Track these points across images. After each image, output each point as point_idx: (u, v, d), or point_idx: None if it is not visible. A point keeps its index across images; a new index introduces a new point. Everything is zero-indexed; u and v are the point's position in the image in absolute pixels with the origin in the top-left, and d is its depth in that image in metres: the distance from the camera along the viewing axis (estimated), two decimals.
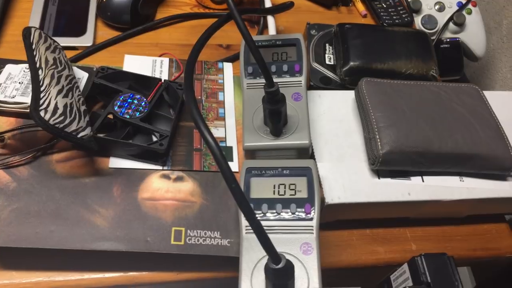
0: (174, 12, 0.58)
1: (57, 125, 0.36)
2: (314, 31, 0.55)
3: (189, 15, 0.58)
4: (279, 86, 0.37)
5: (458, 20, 0.71)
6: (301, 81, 0.44)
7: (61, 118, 0.36)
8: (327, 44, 0.54)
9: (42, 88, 0.38)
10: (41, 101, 0.37)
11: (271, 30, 0.55)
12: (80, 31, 0.53)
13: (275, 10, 0.51)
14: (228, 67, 0.52)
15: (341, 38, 0.51)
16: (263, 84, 0.38)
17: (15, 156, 0.40)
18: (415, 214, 0.45)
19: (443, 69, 0.58)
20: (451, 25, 0.71)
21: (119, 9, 0.54)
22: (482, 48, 0.74)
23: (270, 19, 0.56)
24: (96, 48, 0.52)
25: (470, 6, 0.73)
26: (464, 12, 0.72)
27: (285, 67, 0.45)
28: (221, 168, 0.26)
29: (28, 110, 0.41)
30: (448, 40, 0.71)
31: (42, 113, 0.35)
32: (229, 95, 0.49)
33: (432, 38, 0.70)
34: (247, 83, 0.44)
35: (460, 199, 0.43)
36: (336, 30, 0.53)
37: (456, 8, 0.72)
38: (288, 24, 0.59)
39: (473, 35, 0.73)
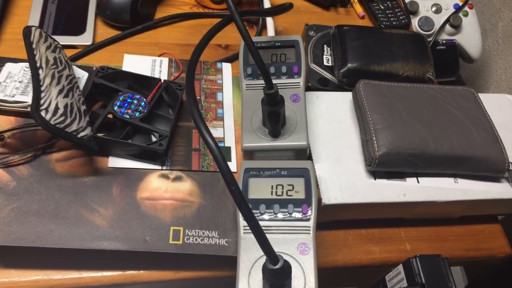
0: (173, 11, 0.58)
1: (58, 125, 0.36)
2: (312, 32, 0.56)
3: (189, 15, 0.59)
4: (278, 87, 0.38)
5: (454, 22, 0.71)
6: (299, 82, 0.45)
7: (62, 118, 0.37)
8: (325, 45, 0.54)
9: (42, 88, 0.38)
10: (42, 101, 0.37)
11: (270, 31, 0.56)
12: (79, 29, 0.53)
13: (274, 12, 0.51)
14: (227, 68, 0.52)
15: (339, 39, 0.52)
16: (262, 85, 0.38)
17: (14, 155, 0.40)
18: (410, 214, 0.46)
19: (439, 71, 0.58)
20: (447, 27, 0.72)
21: (118, 8, 0.54)
22: (478, 50, 0.75)
23: (269, 20, 0.57)
24: (95, 47, 0.52)
25: (466, 8, 0.74)
26: (460, 14, 0.73)
27: (283, 69, 0.45)
28: (221, 170, 0.26)
29: (28, 110, 0.42)
30: (444, 42, 0.72)
31: (43, 113, 0.36)
32: (227, 96, 0.49)
33: (429, 39, 0.71)
34: (246, 84, 0.45)
35: (454, 200, 0.43)
36: (334, 31, 0.53)
37: (452, 10, 0.73)
38: (286, 25, 0.60)
39: (469, 37, 0.74)
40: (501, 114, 0.50)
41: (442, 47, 0.72)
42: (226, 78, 0.51)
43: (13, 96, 0.42)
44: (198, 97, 0.49)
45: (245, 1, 0.63)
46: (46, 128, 0.36)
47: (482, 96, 0.50)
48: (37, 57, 0.41)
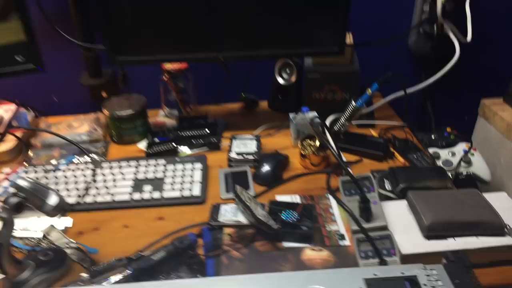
0: (292, 173, 1.03)
1: (266, 222, 0.77)
2: (375, 173, 0.97)
3: (301, 174, 1.03)
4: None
5: (465, 159, 1.11)
6: (375, 195, 0.84)
7: (265, 218, 0.77)
8: (384, 179, 0.95)
9: (253, 208, 0.80)
10: (256, 213, 0.78)
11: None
12: (246, 188, 0.97)
13: (349, 163, 0.94)
14: (331, 197, 0.93)
15: (392, 174, 0.92)
16: (356, 198, 0.78)
17: (239, 244, 0.80)
18: None
19: None
20: (462, 163, 1.11)
21: (265, 175, 0.99)
22: (488, 175, 1.12)
23: (349, 170, 1.00)
24: (256, 195, 0.95)
25: (472, 151, 1.15)
26: (469, 155, 1.13)
27: (364, 188, 0.85)
28: (358, 225, 0.65)
29: (236, 223, 0.83)
30: (463, 173, 1.10)
31: (260, 217, 0.77)
32: (335, 209, 0.89)
33: (451, 173, 1.10)
34: (347, 199, 0.85)
35: (477, 248, 0.76)
36: (389, 170, 0.94)
37: (463, 153, 1.14)
38: (359, 172, 1.02)
39: (479, 168, 1.12)
40: (500, 203, 0.85)
41: (463, 176, 1.10)
42: (332, 201, 0.91)
43: (230, 218, 0.84)
44: (320, 211, 0.88)
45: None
46: (261, 224, 0.76)
47: (489, 194, 0.86)
48: (243, 198, 0.84)
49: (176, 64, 1.20)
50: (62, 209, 0.71)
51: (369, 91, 1.06)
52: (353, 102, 1.07)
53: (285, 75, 1.25)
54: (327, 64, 1.18)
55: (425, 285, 0.59)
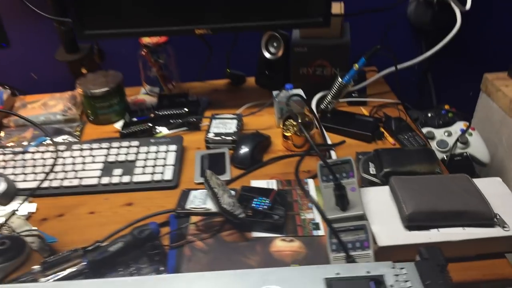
0: (273, 155, 0.96)
1: (231, 211, 0.71)
2: (360, 156, 0.90)
3: (284, 156, 0.96)
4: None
5: (462, 140, 1.03)
6: (354, 182, 0.78)
7: (231, 207, 0.72)
8: (369, 162, 0.88)
9: (219, 196, 0.74)
10: (221, 201, 0.73)
11: (333, 157, 0.91)
12: (222, 171, 0.92)
13: (333, 145, 0.87)
14: (310, 182, 0.87)
15: (377, 156, 0.85)
16: (332, 184, 0.72)
17: (204, 234, 0.75)
18: None
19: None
20: (459, 144, 1.03)
21: (242, 158, 0.93)
22: (486, 157, 1.04)
23: (333, 152, 0.93)
24: (233, 179, 0.90)
25: (470, 130, 1.06)
26: (466, 135, 1.05)
27: (343, 174, 0.78)
28: (324, 218, 0.59)
29: (206, 211, 0.77)
30: (459, 153, 1.03)
31: (225, 207, 0.71)
32: (313, 196, 0.83)
33: (446, 154, 1.02)
34: (324, 186, 0.78)
35: (463, 240, 0.69)
36: (374, 153, 0.87)
37: (460, 133, 1.05)
38: (344, 154, 0.95)
39: (477, 149, 1.04)
40: (492, 189, 0.78)
41: (458, 158, 1.03)
42: (311, 186, 0.85)
43: (198, 205, 0.79)
44: (297, 198, 0.82)
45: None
46: (225, 213, 0.71)
47: (482, 180, 0.79)
48: (212, 184, 0.78)
49: (155, 38, 1.13)
50: (10, 196, 0.66)
51: (356, 66, 0.97)
52: (339, 79, 0.99)
53: (272, 49, 1.17)
54: (315, 37, 1.10)
55: (391, 286, 0.53)
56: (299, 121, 0.92)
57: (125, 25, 0.98)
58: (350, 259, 0.62)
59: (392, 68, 1.11)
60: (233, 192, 0.81)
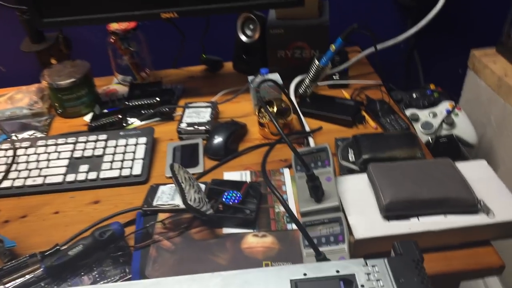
0: (250, 144, 0.92)
1: (197, 208, 0.66)
2: (339, 142, 0.85)
3: (259, 145, 0.91)
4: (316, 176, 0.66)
5: (448, 121, 0.98)
6: (330, 171, 0.73)
7: (198, 204, 0.67)
8: (349, 148, 0.83)
9: (186, 191, 0.70)
10: (188, 197, 0.68)
11: (311, 145, 0.86)
12: (195, 164, 0.87)
13: (310, 132, 0.82)
14: (286, 171, 0.82)
15: (355, 143, 0.80)
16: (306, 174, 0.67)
17: (172, 232, 0.71)
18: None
19: (446, 156, 0.79)
20: (444, 125, 0.99)
21: (216, 148, 0.88)
22: (474, 138, 0.99)
23: (311, 139, 0.88)
24: (206, 172, 0.85)
25: (456, 110, 1.01)
26: (452, 115, 1.00)
27: (319, 163, 0.74)
28: (292, 219, 0.54)
29: (174, 207, 0.73)
30: (444, 135, 0.98)
31: (190, 203, 0.67)
32: (288, 186, 0.78)
33: (431, 136, 0.97)
34: (298, 176, 0.74)
35: (445, 229, 0.65)
36: (353, 139, 0.82)
37: (445, 113, 1.01)
38: (323, 141, 0.90)
39: (464, 130, 0.99)
40: (477, 173, 0.73)
41: (444, 139, 0.98)
42: (287, 177, 0.81)
43: (166, 201, 0.75)
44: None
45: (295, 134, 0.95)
46: (191, 210, 0.66)
47: (467, 163, 0.74)
48: (179, 178, 0.74)
49: (124, 24, 1.07)
50: None
51: (332, 47, 0.92)
52: (316, 61, 0.94)
53: (248, 32, 1.11)
54: (291, 18, 1.04)
55: (362, 286, 0.49)
56: (268, 107, 0.87)
57: (86, 11, 0.92)
58: (320, 257, 0.58)
59: (374, 48, 1.06)
60: (203, 186, 0.77)
